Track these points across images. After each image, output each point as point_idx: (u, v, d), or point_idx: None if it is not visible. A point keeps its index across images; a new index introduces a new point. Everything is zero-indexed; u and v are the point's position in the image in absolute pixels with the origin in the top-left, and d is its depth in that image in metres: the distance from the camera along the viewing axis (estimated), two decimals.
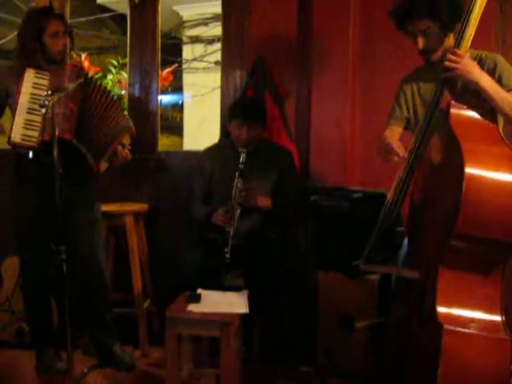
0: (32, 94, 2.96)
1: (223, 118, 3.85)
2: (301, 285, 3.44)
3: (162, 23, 4.14)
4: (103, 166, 3.12)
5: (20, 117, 2.94)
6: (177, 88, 7.28)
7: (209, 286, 2.89)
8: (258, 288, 2.94)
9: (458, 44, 2.31)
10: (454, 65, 2.27)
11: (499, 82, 2.36)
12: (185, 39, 6.85)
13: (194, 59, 6.78)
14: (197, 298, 2.77)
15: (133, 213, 3.54)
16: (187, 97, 7.23)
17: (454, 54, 2.29)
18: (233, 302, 2.77)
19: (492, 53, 2.48)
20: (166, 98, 7.56)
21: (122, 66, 5.38)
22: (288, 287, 3.30)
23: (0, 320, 3.55)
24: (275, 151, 3.39)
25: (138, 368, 3.29)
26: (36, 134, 2.91)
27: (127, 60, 4.15)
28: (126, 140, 3.24)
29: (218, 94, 4.07)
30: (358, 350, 3.08)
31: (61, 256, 2.65)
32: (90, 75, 3.19)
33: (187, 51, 6.90)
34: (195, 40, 6.75)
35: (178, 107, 7.87)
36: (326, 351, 3.15)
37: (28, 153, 2.97)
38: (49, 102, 2.57)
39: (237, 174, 3.13)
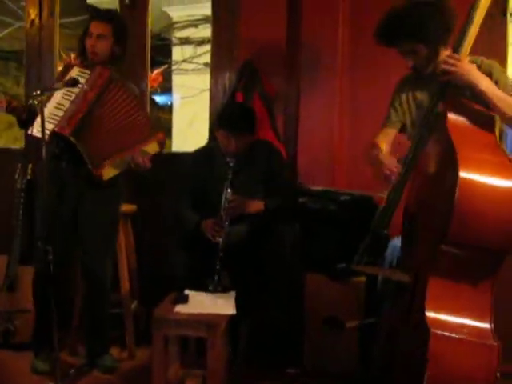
0: (67, 90, 2.94)
1: (212, 119, 3.85)
2: (287, 286, 3.44)
3: (152, 24, 4.14)
4: (106, 172, 2.99)
5: (48, 110, 2.91)
6: (166, 89, 7.28)
7: (196, 288, 2.89)
8: (244, 290, 2.95)
9: (458, 48, 2.30)
10: (452, 68, 2.25)
11: None
12: (174, 40, 6.85)
13: (184, 60, 6.78)
14: (184, 299, 2.77)
15: (121, 213, 3.52)
16: (176, 98, 7.23)
17: (452, 57, 2.27)
18: (220, 304, 2.78)
19: (488, 59, 2.44)
20: (155, 99, 7.56)
21: None
22: (275, 289, 3.30)
23: None
24: (264, 151, 3.35)
25: (124, 369, 3.27)
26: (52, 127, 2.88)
27: None
28: (152, 148, 3.07)
29: (207, 95, 4.07)
30: (344, 351, 3.09)
31: (48, 257, 2.63)
32: (115, 79, 3.05)
33: (177, 52, 6.90)
34: (185, 41, 6.75)
35: (167, 108, 7.86)
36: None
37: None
38: (37, 101, 2.57)
39: (225, 184, 3.13)
